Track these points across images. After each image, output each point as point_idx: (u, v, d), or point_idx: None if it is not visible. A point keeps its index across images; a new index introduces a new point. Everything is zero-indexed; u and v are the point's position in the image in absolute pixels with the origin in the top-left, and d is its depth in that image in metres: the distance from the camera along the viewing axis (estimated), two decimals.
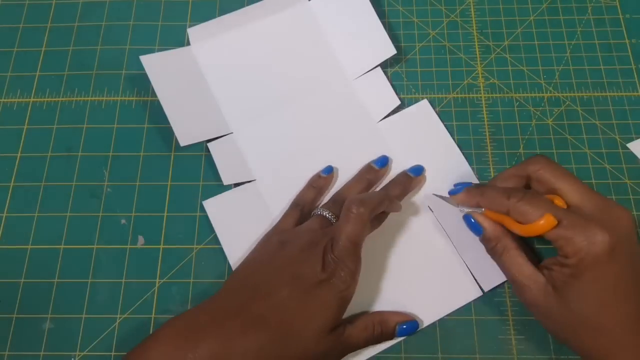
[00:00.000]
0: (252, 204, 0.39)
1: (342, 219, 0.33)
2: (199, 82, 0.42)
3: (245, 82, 0.43)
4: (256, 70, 0.43)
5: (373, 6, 0.43)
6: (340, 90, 0.43)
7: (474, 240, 0.36)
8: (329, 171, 0.39)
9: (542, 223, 0.30)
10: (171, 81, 0.42)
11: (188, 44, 0.44)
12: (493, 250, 0.34)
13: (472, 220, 0.35)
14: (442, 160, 0.40)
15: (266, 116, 0.42)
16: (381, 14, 0.45)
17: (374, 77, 0.43)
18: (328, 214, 0.36)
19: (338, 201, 0.37)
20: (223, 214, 0.39)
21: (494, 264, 0.35)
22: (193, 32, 0.44)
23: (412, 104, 0.42)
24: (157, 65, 0.42)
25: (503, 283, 0.37)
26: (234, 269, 0.37)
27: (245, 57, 0.43)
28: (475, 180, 0.39)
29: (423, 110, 0.42)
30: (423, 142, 0.41)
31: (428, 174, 0.40)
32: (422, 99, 0.43)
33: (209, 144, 0.41)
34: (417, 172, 0.39)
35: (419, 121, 0.42)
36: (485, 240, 0.35)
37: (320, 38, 0.44)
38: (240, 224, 0.39)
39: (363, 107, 0.42)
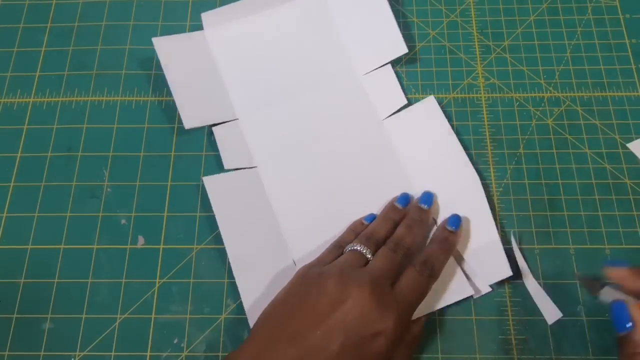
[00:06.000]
0: (251, 189, 0.39)
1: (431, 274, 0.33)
2: (209, 66, 0.43)
3: (255, 69, 0.43)
4: (267, 58, 0.44)
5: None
6: (349, 84, 0.43)
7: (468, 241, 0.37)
8: (371, 219, 0.38)
9: None
10: (181, 64, 0.43)
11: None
12: (632, 357, 0.27)
13: (625, 312, 0.27)
14: (445, 161, 0.40)
15: (273, 105, 0.42)
16: None
17: (383, 74, 0.43)
18: (364, 249, 0.34)
19: (371, 239, 0.35)
20: (221, 193, 0.39)
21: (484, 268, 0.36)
22: (206, 17, 0.44)
23: (413, 104, 0.42)
24: (168, 48, 0.43)
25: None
26: (229, 252, 0.37)
27: (257, 44, 0.44)
28: (478, 183, 0.39)
29: (429, 106, 0.41)
30: (427, 140, 0.41)
31: (430, 173, 0.39)
32: (423, 99, 0.43)
33: (213, 128, 0.41)
34: (455, 224, 0.36)
35: (424, 118, 0.41)
36: (629, 342, 0.27)
37: (333, 31, 0.44)
38: (238, 205, 0.39)
39: (370, 104, 0.42)
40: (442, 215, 0.38)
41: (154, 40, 0.42)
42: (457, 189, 0.39)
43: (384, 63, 0.43)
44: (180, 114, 0.40)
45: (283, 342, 0.29)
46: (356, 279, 0.31)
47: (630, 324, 0.26)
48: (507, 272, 0.36)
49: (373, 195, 0.39)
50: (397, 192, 0.39)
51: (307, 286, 0.32)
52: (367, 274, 0.31)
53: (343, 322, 0.29)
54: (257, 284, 0.36)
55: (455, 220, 0.36)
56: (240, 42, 0.44)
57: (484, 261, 0.37)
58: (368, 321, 0.29)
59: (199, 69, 0.43)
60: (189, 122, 0.40)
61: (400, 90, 0.42)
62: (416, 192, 0.39)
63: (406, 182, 0.40)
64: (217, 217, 0.38)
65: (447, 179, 0.39)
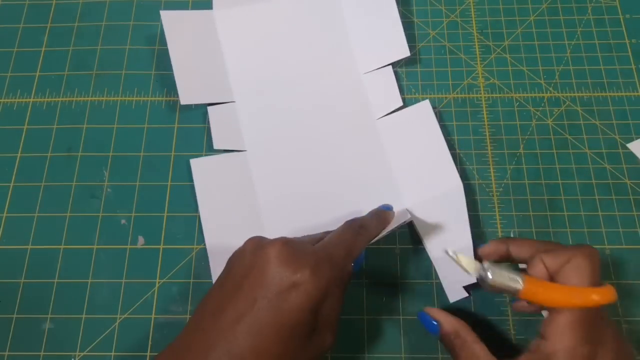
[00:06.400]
0: (237, 173, 0.40)
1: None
2: (213, 46, 0.44)
3: (258, 55, 0.44)
4: (272, 45, 0.44)
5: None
6: (348, 81, 0.43)
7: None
8: None
9: (603, 291, 0.26)
10: (185, 40, 0.43)
11: None
12: (451, 345, 0.31)
13: (427, 317, 0.33)
14: (432, 164, 0.40)
15: (271, 92, 0.43)
16: None
17: (383, 75, 0.43)
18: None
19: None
20: (207, 176, 0.40)
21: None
22: None
23: (412, 104, 0.42)
24: (174, 22, 0.43)
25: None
26: (206, 235, 0.38)
27: (264, 31, 0.44)
28: (461, 190, 0.38)
29: (423, 110, 0.42)
30: (416, 142, 0.41)
31: (415, 175, 0.39)
32: (422, 99, 0.43)
33: (208, 107, 0.42)
34: (387, 208, 0.36)
35: (416, 121, 0.41)
36: (443, 336, 0.32)
37: (341, 26, 0.45)
38: (221, 190, 0.39)
39: (366, 102, 0.42)
40: (422, 215, 0.38)
41: (162, 13, 0.43)
42: (440, 192, 0.39)
43: (386, 64, 0.43)
44: (178, 90, 0.41)
45: (206, 324, 0.28)
46: (271, 241, 0.29)
47: (435, 323, 0.32)
48: (471, 279, 0.35)
49: (357, 191, 0.39)
50: (380, 191, 0.39)
51: (231, 262, 0.31)
52: (284, 237, 0.30)
53: (255, 285, 0.28)
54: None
55: (388, 206, 0.36)
56: (247, 27, 0.44)
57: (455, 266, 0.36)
58: (282, 274, 0.28)
59: (202, 48, 0.43)
60: (185, 98, 0.41)
61: (398, 93, 0.42)
62: (400, 191, 0.39)
63: (390, 183, 0.40)
64: (198, 199, 0.39)
65: (431, 182, 0.39)
